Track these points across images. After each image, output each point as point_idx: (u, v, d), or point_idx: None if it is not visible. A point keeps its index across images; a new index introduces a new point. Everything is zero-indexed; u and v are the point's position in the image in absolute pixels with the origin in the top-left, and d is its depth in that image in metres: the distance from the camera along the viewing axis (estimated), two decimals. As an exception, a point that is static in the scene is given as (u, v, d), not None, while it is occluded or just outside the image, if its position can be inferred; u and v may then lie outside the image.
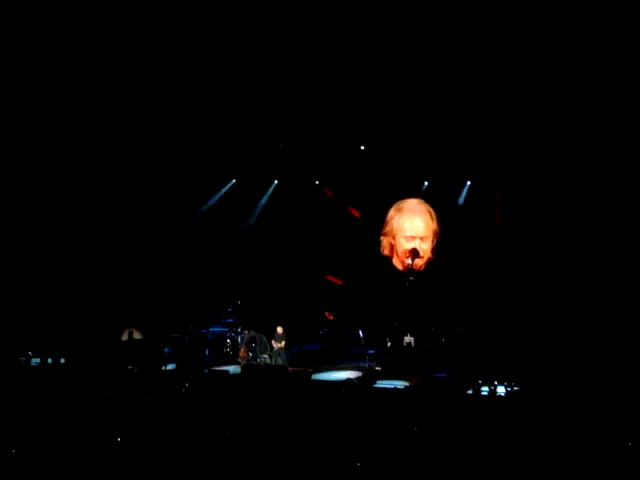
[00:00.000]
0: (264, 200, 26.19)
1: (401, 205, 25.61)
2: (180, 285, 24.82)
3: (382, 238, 25.88)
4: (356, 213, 26.20)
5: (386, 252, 25.90)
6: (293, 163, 25.38)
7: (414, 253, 25.09)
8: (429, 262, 25.04)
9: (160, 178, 24.83)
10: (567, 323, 21.72)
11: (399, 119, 22.47)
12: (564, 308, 21.92)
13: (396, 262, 25.63)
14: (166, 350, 22.74)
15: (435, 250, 25.00)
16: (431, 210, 25.16)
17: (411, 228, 25.32)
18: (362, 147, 24.35)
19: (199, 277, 25.12)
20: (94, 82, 21.16)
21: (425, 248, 25.08)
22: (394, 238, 25.65)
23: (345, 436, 12.05)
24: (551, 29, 18.19)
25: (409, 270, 25.04)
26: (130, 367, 19.57)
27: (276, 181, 26.16)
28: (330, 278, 26.41)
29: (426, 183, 25.11)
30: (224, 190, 26.32)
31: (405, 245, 25.38)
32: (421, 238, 25.14)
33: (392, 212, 25.68)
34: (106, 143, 23.15)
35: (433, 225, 25.08)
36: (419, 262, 25.03)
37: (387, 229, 25.75)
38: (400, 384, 19.53)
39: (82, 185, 23.58)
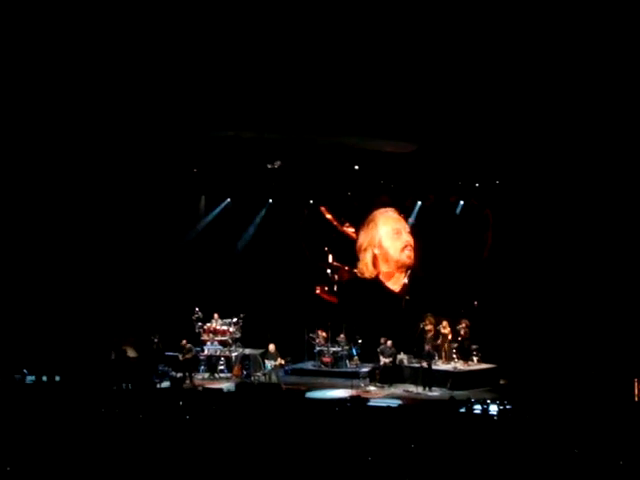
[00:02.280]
0: (258, 219, 26.28)
1: (370, 217, 25.87)
2: (174, 303, 24.85)
3: (360, 263, 25.98)
4: (351, 232, 26.33)
5: (367, 274, 25.94)
6: (288, 182, 25.50)
7: (409, 270, 25.33)
8: (421, 281, 25.25)
9: (155, 197, 24.90)
10: (560, 340, 21.83)
11: (393, 139, 22.58)
12: (557, 326, 22.02)
13: (385, 276, 25.72)
14: (160, 368, 22.78)
15: (425, 266, 25.21)
16: (396, 210, 25.52)
17: (394, 224, 25.55)
18: (356, 167, 24.49)
19: (193, 295, 25.16)
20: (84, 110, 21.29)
21: (411, 239, 25.27)
22: (380, 246, 25.77)
23: (340, 454, 12.09)
24: (547, 43, 18.35)
25: (405, 290, 25.25)
26: (124, 385, 19.60)
27: (270, 200, 26.27)
28: (324, 296, 26.52)
29: (419, 203, 25.24)
30: (219, 209, 26.43)
31: (395, 242, 25.49)
32: (405, 230, 25.38)
33: (364, 228, 25.89)
34: (100, 163, 23.19)
35: (403, 221, 25.40)
36: (412, 255, 25.21)
37: (366, 244, 25.87)
38: (394, 402, 19.66)
39: (78, 206, 23.63)
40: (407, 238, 25.41)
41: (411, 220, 25.28)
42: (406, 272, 25.37)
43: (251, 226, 26.28)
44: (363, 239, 26.00)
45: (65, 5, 17.77)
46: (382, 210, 25.78)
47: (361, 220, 26.06)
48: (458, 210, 24.52)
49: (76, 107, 20.75)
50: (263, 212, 26.25)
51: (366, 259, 25.96)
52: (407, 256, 25.33)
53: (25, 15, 17.97)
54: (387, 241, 25.72)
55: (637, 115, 19.34)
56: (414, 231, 25.29)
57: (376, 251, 25.87)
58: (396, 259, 25.56)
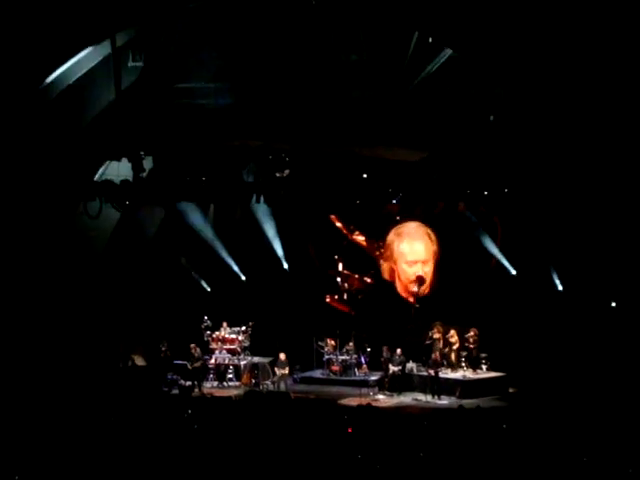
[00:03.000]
0: (267, 227, 26.24)
1: (400, 230, 25.80)
2: (183, 311, 24.84)
3: (382, 262, 26.04)
4: (361, 240, 26.32)
5: (386, 276, 26.03)
6: (297, 191, 25.48)
7: (420, 280, 25.28)
8: (432, 286, 25.21)
9: (162, 207, 24.91)
10: (569, 347, 21.77)
11: (402, 147, 22.60)
12: (566, 334, 21.97)
13: (399, 287, 25.73)
14: (169, 376, 22.78)
15: (437, 273, 25.16)
16: (430, 232, 25.36)
17: (412, 253, 25.51)
18: (365, 175, 24.49)
19: (202, 303, 25.17)
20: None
21: (427, 271, 25.25)
22: (395, 263, 25.80)
23: (348, 461, 12.08)
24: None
25: (414, 297, 25.21)
26: (133, 393, 19.60)
27: (279, 208, 26.25)
28: (334, 304, 26.49)
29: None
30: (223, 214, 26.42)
31: (408, 270, 25.52)
32: (423, 262, 25.32)
33: (391, 236, 25.87)
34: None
35: (433, 247, 25.27)
36: (424, 287, 25.20)
37: (387, 253, 25.91)
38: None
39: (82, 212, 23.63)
40: (420, 271, 25.25)
41: None
42: (418, 284, 25.30)
43: (259, 234, 26.21)
44: (389, 243, 25.86)
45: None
46: (412, 227, 25.60)
47: (392, 224, 25.95)
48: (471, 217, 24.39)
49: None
50: (272, 220, 26.19)
51: (386, 266, 26.00)
52: (412, 290, 25.17)
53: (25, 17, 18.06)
54: (401, 264, 25.70)
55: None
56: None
57: (393, 265, 25.90)
58: (405, 284, 25.56)
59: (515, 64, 18.52)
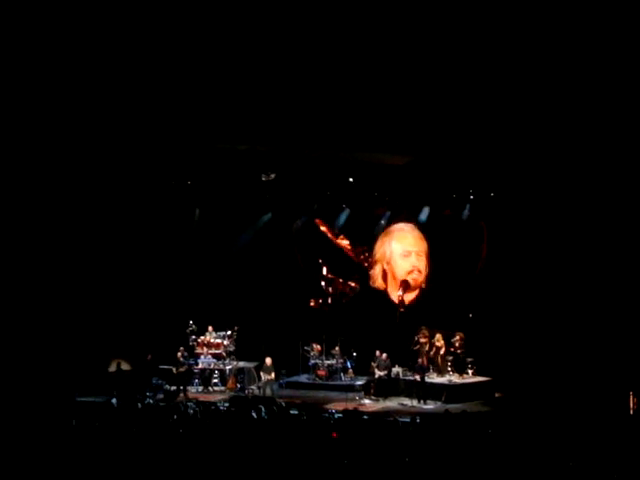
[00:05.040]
0: (253, 231, 26.20)
1: (388, 230, 25.81)
2: (168, 315, 24.75)
3: (371, 268, 25.99)
4: (346, 244, 26.29)
5: (377, 284, 25.96)
6: (283, 194, 25.47)
7: (405, 285, 25.28)
8: (422, 291, 25.23)
9: (149, 210, 24.83)
10: (555, 352, 21.79)
11: (388, 151, 22.60)
12: (552, 339, 21.99)
13: (391, 291, 25.67)
14: (154, 381, 22.68)
15: (427, 277, 25.18)
16: (418, 229, 25.38)
17: (405, 244, 25.48)
18: (350, 179, 24.51)
19: (187, 308, 25.08)
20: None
21: (422, 264, 25.21)
22: (388, 263, 25.73)
23: (335, 467, 12.04)
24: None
25: (400, 301, 25.21)
26: (117, 398, 19.46)
27: (265, 212, 26.22)
28: (319, 308, 26.43)
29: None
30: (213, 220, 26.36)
31: (403, 263, 25.43)
32: (417, 253, 25.29)
33: (380, 240, 25.85)
34: (90, 179, 23.15)
35: (424, 243, 25.28)
36: (419, 279, 25.17)
37: (378, 256, 25.86)
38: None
39: (73, 219, 23.54)
40: (415, 262, 25.27)
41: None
42: (403, 287, 25.31)
43: (245, 238, 26.15)
44: (377, 248, 25.88)
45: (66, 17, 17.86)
46: (401, 225, 25.61)
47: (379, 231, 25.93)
48: (464, 215, 24.38)
49: (73, 117, 20.78)
50: (257, 224, 26.14)
51: (377, 271, 25.94)
52: (413, 279, 25.24)
53: (27, 19, 17.98)
54: (396, 260, 25.65)
55: (629, 127, 19.44)
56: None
57: (385, 266, 25.83)
58: (401, 279, 25.52)
59: (502, 69, 18.57)
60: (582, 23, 17.47)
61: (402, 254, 25.54)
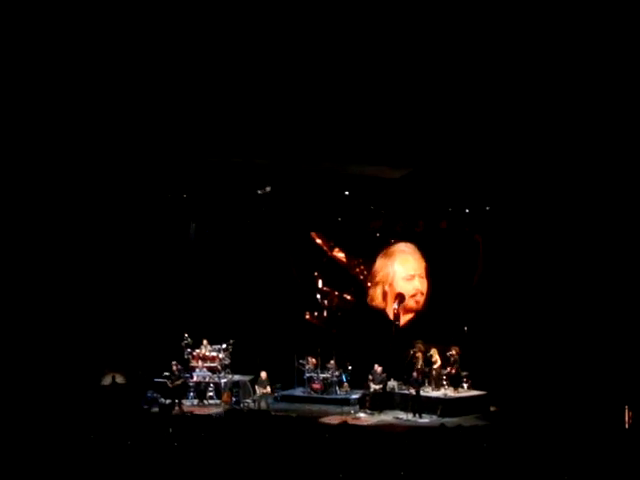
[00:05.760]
0: (248, 244, 26.20)
1: (389, 250, 25.78)
2: (162, 329, 24.73)
3: (371, 290, 25.96)
4: (342, 257, 26.30)
5: (375, 303, 25.95)
6: (279, 208, 25.49)
7: (400, 298, 25.27)
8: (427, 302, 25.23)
9: (144, 223, 24.85)
10: (551, 367, 21.79)
11: (383, 164, 22.65)
12: (548, 353, 21.99)
13: (390, 311, 25.66)
14: (149, 394, 22.62)
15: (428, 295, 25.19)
16: (417, 249, 25.38)
17: (408, 268, 25.46)
18: (346, 192, 24.53)
19: (182, 321, 25.05)
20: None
21: (424, 287, 25.21)
22: (390, 285, 25.69)
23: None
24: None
25: (395, 315, 25.20)
26: (113, 411, 19.44)
27: (260, 225, 26.23)
28: (314, 322, 26.42)
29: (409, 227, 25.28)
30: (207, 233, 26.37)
31: (406, 286, 25.41)
32: (420, 276, 25.30)
33: (380, 260, 25.82)
34: (83, 191, 23.18)
35: (423, 263, 25.30)
36: (421, 301, 25.17)
37: (378, 278, 25.84)
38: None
39: (70, 231, 23.57)
40: (418, 285, 25.26)
41: None
42: (398, 300, 25.31)
43: (240, 251, 26.14)
44: (378, 269, 25.84)
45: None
46: (402, 247, 25.60)
47: (380, 249, 25.93)
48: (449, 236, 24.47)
49: (69, 128, 20.81)
50: (253, 237, 26.14)
51: (377, 291, 25.93)
52: (415, 301, 25.25)
53: (29, 22, 18.00)
54: (398, 282, 25.65)
55: (624, 141, 19.51)
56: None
57: (387, 288, 25.82)
58: (397, 292, 25.52)
59: (498, 82, 18.64)
60: (577, 38, 17.56)
61: (405, 277, 25.55)
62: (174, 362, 23.09)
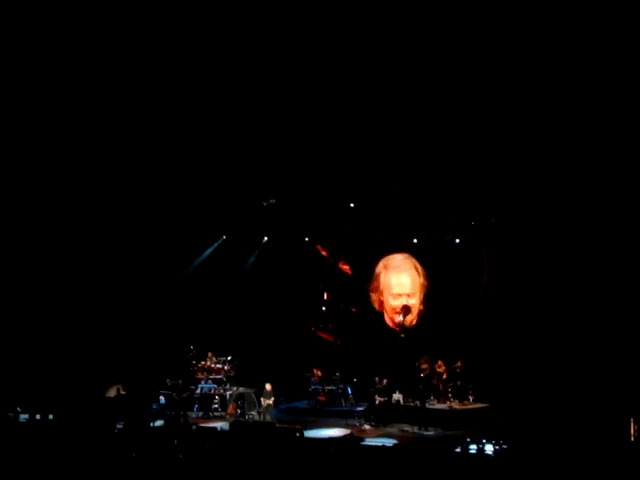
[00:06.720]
0: (253, 257, 26.27)
1: (388, 261, 25.83)
2: (168, 342, 24.77)
3: (372, 294, 26.04)
4: (347, 269, 26.34)
5: (376, 307, 26.02)
6: (284, 220, 25.56)
7: (405, 310, 25.28)
8: (420, 317, 25.20)
9: (149, 235, 24.90)
10: (555, 379, 21.76)
11: (388, 177, 22.73)
12: (552, 365, 21.97)
13: (386, 318, 25.72)
14: (154, 406, 22.64)
15: (425, 304, 25.17)
16: (417, 265, 25.38)
17: (398, 286, 25.53)
18: (352, 204, 24.60)
19: (188, 334, 25.08)
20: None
21: (413, 304, 25.25)
22: (382, 294, 25.81)
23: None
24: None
25: (400, 327, 25.19)
26: (118, 423, 19.46)
27: (266, 237, 26.29)
28: (320, 334, 26.45)
29: (415, 240, 25.31)
30: (214, 247, 26.43)
31: (392, 302, 25.54)
32: (408, 295, 25.33)
33: (380, 267, 25.89)
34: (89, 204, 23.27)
35: (420, 280, 25.30)
36: (409, 318, 25.19)
37: (375, 285, 25.92)
38: (389, 442, 19.53)
39: (73, 243, 23.65)
40: (403, 303, 25.28)
41: None
42: (404, 312, 25.30)
43: (246, 264, 26.23)
44: (376, 276, 25.90)
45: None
46: (399, 261, 25.64)
47: (380, 256, 25.97)
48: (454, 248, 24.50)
49: (71, 137, 20.95)
50: (258, 250, 26.22)
51: (373, 298, 26.00)
52: (397, 320, 25.14)
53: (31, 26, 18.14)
54: (387, 296, 25.72)
55: (626, 151, 19.56)
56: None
57: (380, 297, 25.89)
58: (390, 316, 25.58)
59: (503, 92, 18.72)
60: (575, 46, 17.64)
61: (393, 295, 25.61)
62: (180, 381, 23.01)
